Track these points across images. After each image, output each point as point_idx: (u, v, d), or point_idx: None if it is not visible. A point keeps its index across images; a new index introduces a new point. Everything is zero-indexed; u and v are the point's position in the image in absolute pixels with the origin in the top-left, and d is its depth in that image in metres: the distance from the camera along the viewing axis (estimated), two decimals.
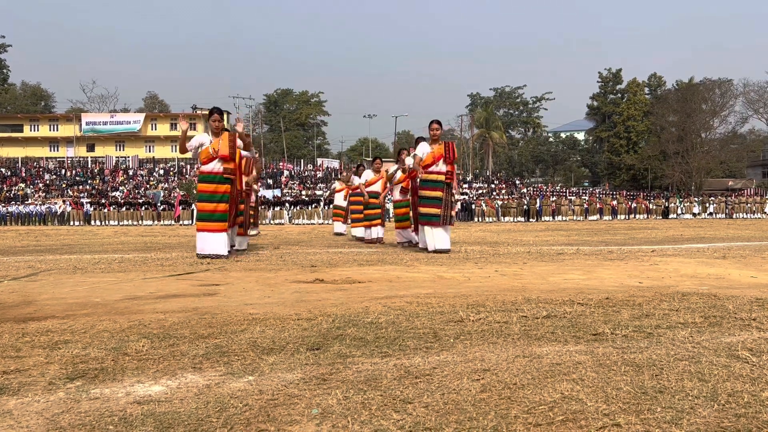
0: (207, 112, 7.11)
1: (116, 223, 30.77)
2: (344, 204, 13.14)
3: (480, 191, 40.07)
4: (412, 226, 8.47)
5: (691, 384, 1.79)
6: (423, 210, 7.38)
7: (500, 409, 1.61)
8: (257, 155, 10.03)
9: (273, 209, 32.19)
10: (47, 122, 58.88)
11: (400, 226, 9.00)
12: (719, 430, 1.46)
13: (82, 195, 38.22)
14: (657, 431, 1.45)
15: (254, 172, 8.04)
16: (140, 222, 31.01)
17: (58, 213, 32.19)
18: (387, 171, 9.62)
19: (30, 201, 35.98)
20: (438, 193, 7.29)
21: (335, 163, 53.96)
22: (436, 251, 7.09)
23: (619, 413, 1.57)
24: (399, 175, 8.76)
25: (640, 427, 1.47)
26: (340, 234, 13.19)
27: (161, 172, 46.86)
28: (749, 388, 1.76)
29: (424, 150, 7.39)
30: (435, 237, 7.24)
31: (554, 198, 36.76)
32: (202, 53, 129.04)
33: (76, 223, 31.01)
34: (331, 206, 31.64)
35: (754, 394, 1.70)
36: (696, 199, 36.64)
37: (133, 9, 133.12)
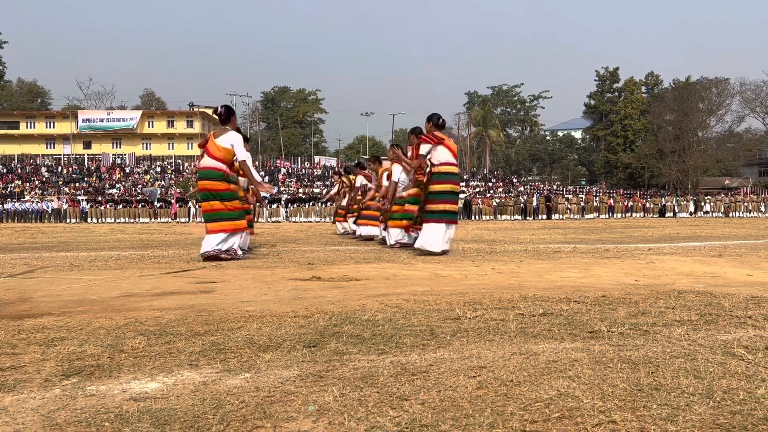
0: (211, 109, 6.74)
1: (113, 220, 30.75)
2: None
3: (477, 189, 40.08)
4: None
5: (687, 381, 1.80)
6: (441, 207, 6.61)
7: (496, 406, 1.61)
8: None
9: (270, 207, 32.15)
10: (43, 119, 58.74)
11: (397, 225, 8.27)
12: (714, 427, 1.46)
13: (78, 192, 38.11)
14: (653, 428, 1.45)
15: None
16: (137, 219, 30.98)
17: (55, 210, 32.10)
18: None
19: (26, 198, 35.86)
20: (456, 187, 6.78)
21: (332, 161, 53.97)
22: (440, 252, 6.49)
23: (615, 410, 1.57)
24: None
25: (636, 424, 1.48)
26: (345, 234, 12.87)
27: (158, 169, 46.76)
28: (745, 385, 1.76)
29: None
30: (446, 236, 6.62)
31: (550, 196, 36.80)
32: (199, 50, 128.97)
33: (73, 220, 30.96)
34: (329, 204, 31.64)
35: (749, 391, 1.71)
36: (691, 197, 36.72)
37: (130, 6, 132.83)
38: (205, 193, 6.33)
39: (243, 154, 6.36)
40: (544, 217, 32.21)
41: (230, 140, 6.31)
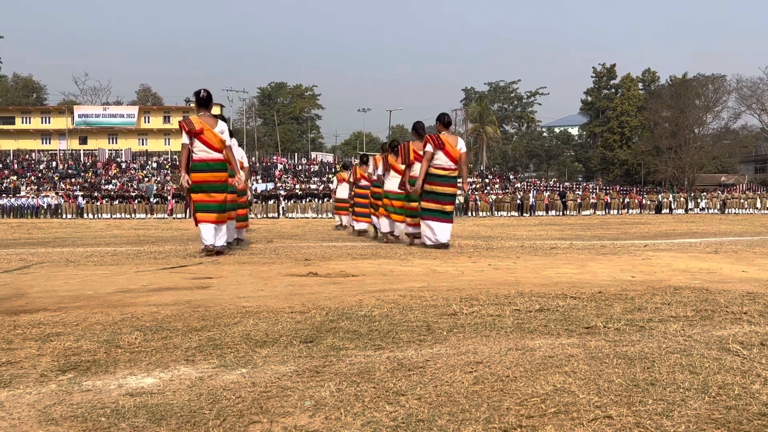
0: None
1: (109, 216, 30.69)
2: (346, 196, 12.87)
3: (474, 186, 40.10)
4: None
5: (683, 376, 1.80)
6: (435, 206, 7.04)
7: (493, 401, 1.62)
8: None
9: (266, 203, 32.13)
10: (39, 115, 58.50)
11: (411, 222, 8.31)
12: (710, 422, 1.47)
13: (74, 188, 38.00)
14: (648, 423, 1.46)
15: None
16: (133, 215, 30.93)
17: (51, 206, 32.01)
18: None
19: (22, 194, 35.75)
20: (450, 189, 7.13)
21: (329, 157, 53.90)
22: (434, 246, 6.92)
23: (610, 405, 1.58)
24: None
25: (632, 419, 1.48)
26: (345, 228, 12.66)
27: (154, 165, 46.65)
28: (740, 380, 1.77)
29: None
30: (439, 232, 7.00)
31: (548, 192, 36.89)
32: (196, 46, 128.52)
33: (69, 216, 30.87)
34: (326, 200, 31.61)
35: (744, 386, 1.72)
36: (688, 194, 36.81)
37: (127, 1, 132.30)
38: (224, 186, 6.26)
39: (228, 141, 6.35)
40: (554, 213, 32.28)
41: (221, 128, 6.17)
